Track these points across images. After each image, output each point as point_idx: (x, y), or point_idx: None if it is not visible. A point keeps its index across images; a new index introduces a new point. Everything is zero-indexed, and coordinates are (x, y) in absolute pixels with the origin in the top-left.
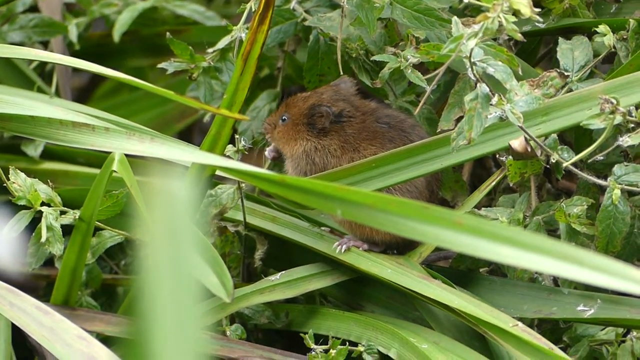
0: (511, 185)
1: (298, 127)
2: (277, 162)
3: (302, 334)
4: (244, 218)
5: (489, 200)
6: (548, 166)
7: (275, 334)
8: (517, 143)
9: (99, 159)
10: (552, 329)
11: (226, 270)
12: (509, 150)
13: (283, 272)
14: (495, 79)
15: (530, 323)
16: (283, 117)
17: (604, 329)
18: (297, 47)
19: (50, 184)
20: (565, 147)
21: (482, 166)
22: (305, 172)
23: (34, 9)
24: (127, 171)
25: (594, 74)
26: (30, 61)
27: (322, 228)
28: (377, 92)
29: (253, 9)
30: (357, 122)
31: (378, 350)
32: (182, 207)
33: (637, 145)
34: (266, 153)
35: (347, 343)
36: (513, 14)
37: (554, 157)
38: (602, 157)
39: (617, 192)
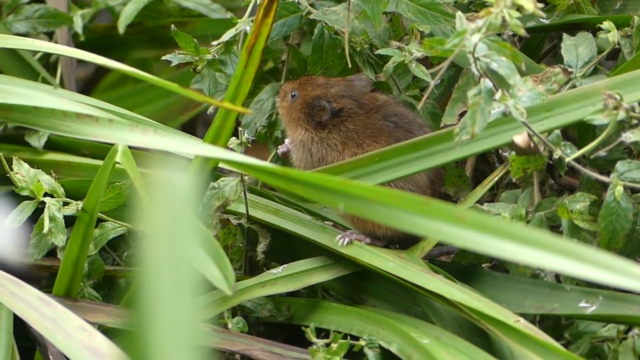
0: (514, 180)
1: (299, 113)
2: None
3: (303, 328)
4: (247, 211)
5: (492, 196)
6: (551, 162)
7: (277, 327)
8: (520, 138)
9: (102, 150)
10: (553, 325)
11: (228, 263)
12: (512, 145)
13: (285, 265)
14: (499, 74)
15: (532, 319)
16: (293, 94)
17: (605, 325)
18: (302, 41)
19: (54, 174)
20: (569, 143)
21: (485, 161)
22: (302, 160)
23: None
24: (130, 163)
25: (598, 70)
26: (35, 52)
27: (325, 222)
28: (381, 86)
29: (258, 2)
30: (360, 119)
31: (379, 345)
32: (184, 199)
33: None
34: (279, 150)
35: (349, 337)
36: (517, 10)
37: (557, 153)
38: (605, 154)
39: (620, 188)
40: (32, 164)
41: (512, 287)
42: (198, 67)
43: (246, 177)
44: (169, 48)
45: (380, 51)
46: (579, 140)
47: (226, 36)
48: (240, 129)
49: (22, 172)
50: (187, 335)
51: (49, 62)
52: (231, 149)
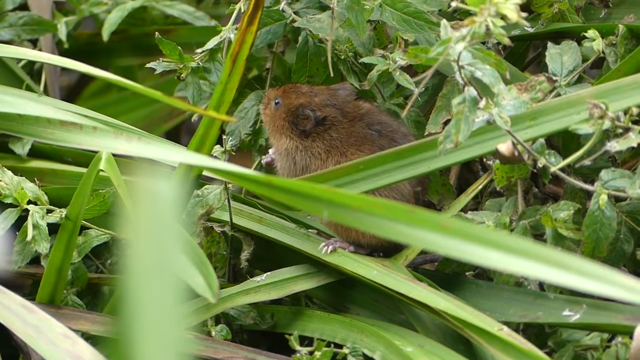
0: (498, 189)
1: (283, 122)
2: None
3: (287, 336)
4: (231, 219)
5: (476, 204)
6: (535, 170)
7: (260, 335)
8: (505, 147)
9: (86, 158)
10: (537, 333)
11: (212, 270)
12: (496, 154)
13: (269, 273)
14: (483, 82)
15: (515, 327)
16: (277, 101)
17: (589, 334)
18: (286, 49)
19: (37, 182)
20: (553, 151)
21: (469, 170)
22: (286, 168)
23: (23, 7)
24: (114, 170)
25: (583, 79)
26: (19, 59)
27: (309, 230)
28: (365, 94)
29: (242, 10)
30: (344, 128)
31: (363, 353)
32: (168, 207)
33: (624, 150)
34: (263, 160)
35: (332, 345)
36: (501, 18)
37: (541, 162)
38: (589, 162)
39: (604, 197)
40: (16, 171)
41: (495, 296)
42: (182, 75)
43: (230, 185)
44: (153, 56)
45: (365, 59)
46: (564, 148)
47: (210, 44)
48: (224, 136)
49: (5, 179)
50: (170, 342)
51: (33, 69)
52: (215, 157)
